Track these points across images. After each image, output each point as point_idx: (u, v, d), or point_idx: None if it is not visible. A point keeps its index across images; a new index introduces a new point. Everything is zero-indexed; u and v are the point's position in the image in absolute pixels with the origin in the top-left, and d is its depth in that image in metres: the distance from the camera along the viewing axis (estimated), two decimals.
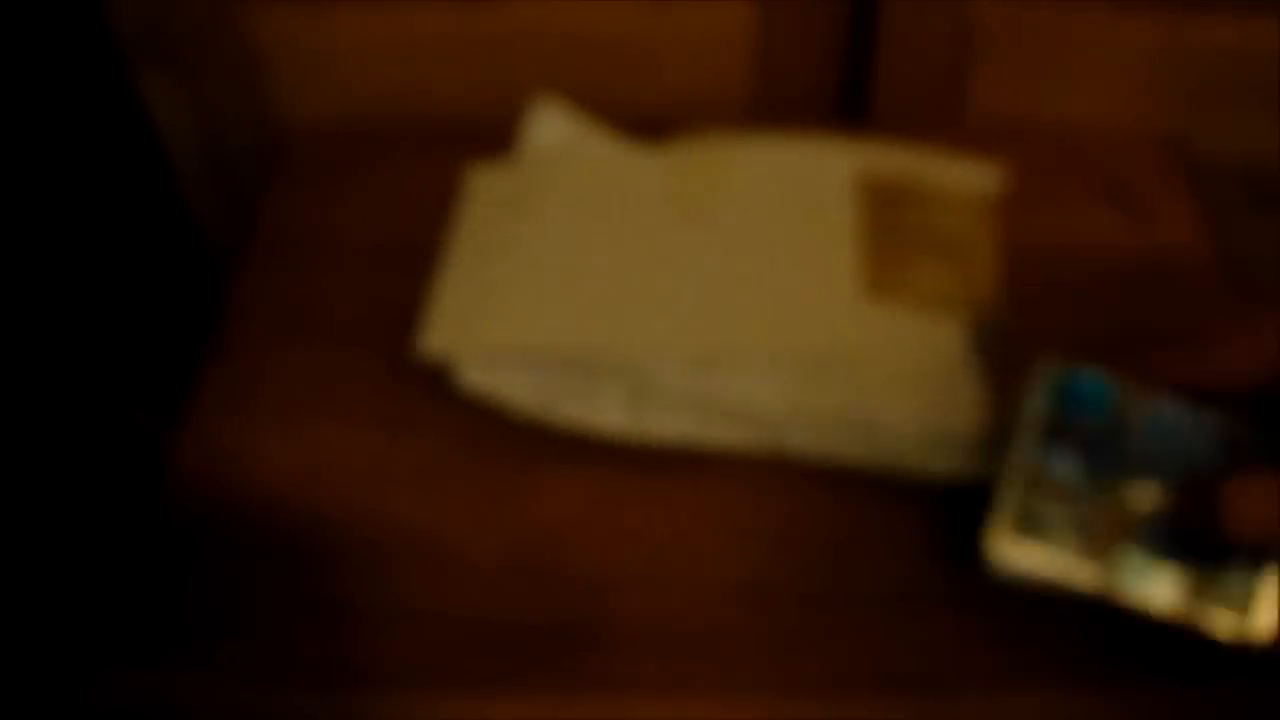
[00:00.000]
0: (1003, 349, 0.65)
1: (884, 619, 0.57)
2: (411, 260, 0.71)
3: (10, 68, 0.73)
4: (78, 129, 0.80)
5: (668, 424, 0.62)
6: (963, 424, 0.61)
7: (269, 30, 0.79)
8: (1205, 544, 0.53)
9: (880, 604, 0.57)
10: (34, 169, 0.75)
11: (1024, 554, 0.53)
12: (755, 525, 0.60)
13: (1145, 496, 0.54)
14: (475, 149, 0.76)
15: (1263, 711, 0.54)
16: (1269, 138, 0.79)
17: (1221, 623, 0.52)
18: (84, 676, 0.55)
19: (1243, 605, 0.52)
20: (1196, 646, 0.54)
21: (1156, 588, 0.53)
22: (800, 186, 0.72)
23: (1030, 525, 0.53)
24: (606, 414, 0.63)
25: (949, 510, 0.60)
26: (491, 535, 0.60)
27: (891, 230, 0.69)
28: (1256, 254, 0.82)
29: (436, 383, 0.65)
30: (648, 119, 0.78)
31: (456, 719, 0.55)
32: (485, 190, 0.74)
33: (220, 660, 0.56)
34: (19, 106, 0.74)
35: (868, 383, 0.63)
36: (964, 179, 0.73)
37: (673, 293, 0.67)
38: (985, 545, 0.54)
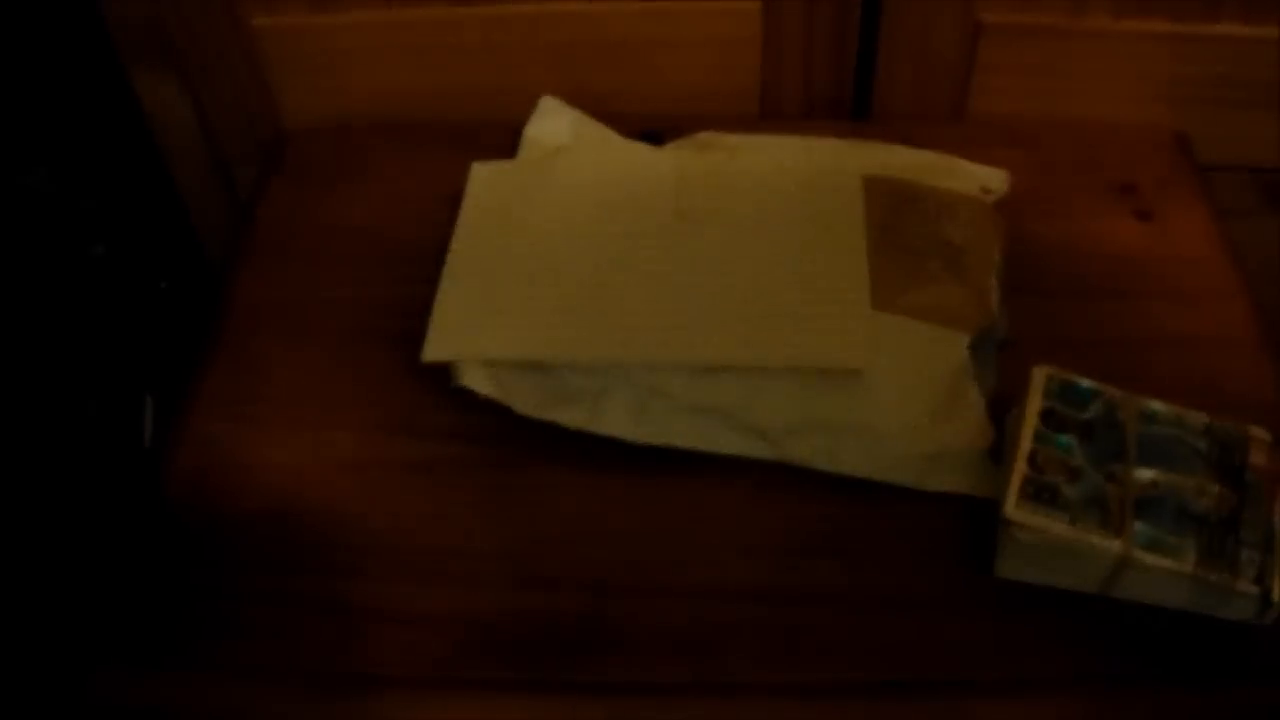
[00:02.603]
0: (1002, 356, 0.65)
1: (887, 622, 0.56)
2: (410, 260, 0.70)
3: (9, 67, 0.73)
4: (80, 130, 0.79)
5: (671, 431, 0.62)
6: (963, 443, 0.61)
7: (268, 30, 0.79)
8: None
9: (883, 607, 0.57)
10: (35, 168, 0.75)
11: (1038, 521, 0.55)
12: (758, 527, 0.60)
13: (1147, 477, 0.56)
14: (475, 150, 0.76)
15: (1263, 712, 0.54)
16: (1276, 137, 0.79)
17: (1235, 597, 0.53)
18: (84, 677, 0.55)
19: (1254, 576, 0.53)
20: (1201, 645, 0.55)
21: (1169, 561, 0.54)
22: (808, 192, 0.72)
23: (1042, 497, 0.55)
24: (610, 419, 0.62)
25: (953, 514, 0.60)
26: (493, 536, 0.60)
27: (898, 238, 0.69)
28: (1265, 252, 0.82)
29: (437, 383, 0.64)
30: (653, 120, 0.78)
31: (456, 719, 0.55)
32: (489, 191, 0.74)
33: (220, 661, 0.56)
34: (21, 107, 0.74)
35: (872, 397, 0.62)
36: (969, 182, 0.73)
37: (677, 299, 0.66)
38: (1001, 521, 0.55)
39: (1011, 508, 0.55)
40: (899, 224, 0.70)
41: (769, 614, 0.57)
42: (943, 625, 0.56)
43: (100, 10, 0.77)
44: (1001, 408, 0.62)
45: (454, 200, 0.73)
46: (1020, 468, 0.56)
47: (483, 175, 0.75)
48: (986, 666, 0.55)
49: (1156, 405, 0.59)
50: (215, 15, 0.78)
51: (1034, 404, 0.59)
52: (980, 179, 0.73)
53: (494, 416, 0.63)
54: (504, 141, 0.77)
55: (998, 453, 0.60)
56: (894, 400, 0.62)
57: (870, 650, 0.55)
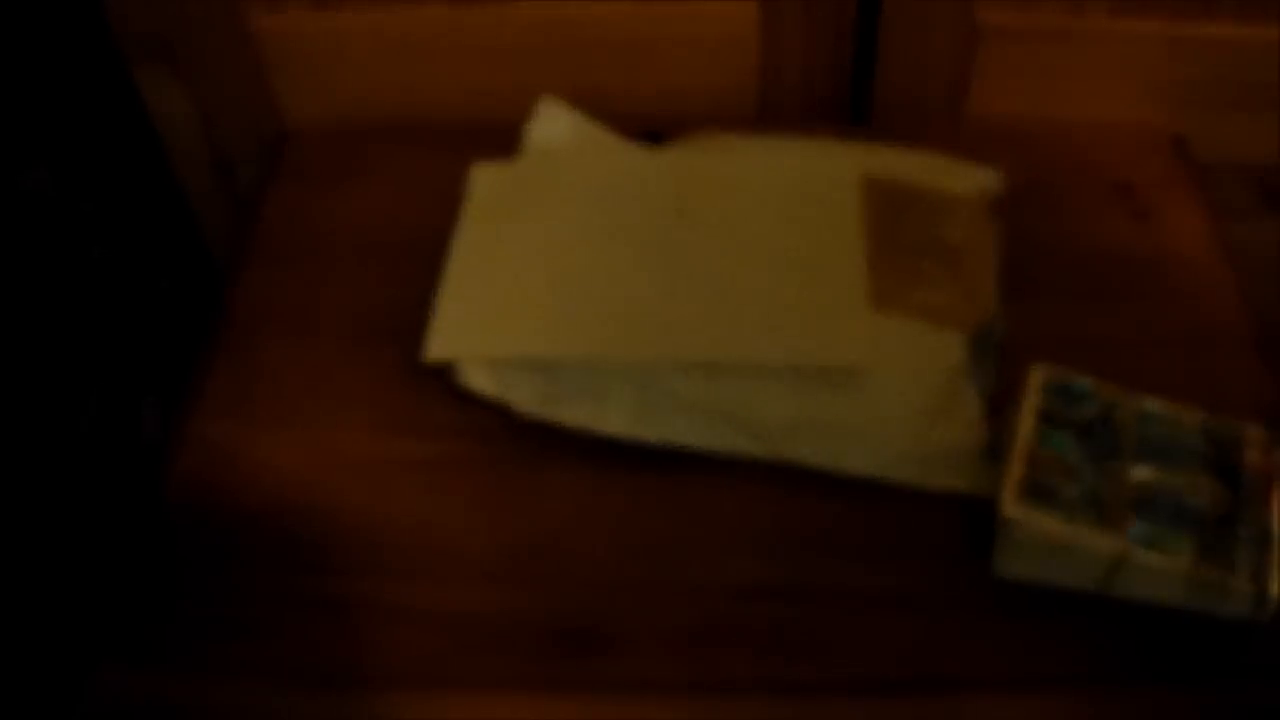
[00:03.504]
0: (1001, 357, 0.65)
1: (887, 621, 0.56)
2: (411, 260, 0.70)
3: (14, 70, 0.73)
4: (82, 130, 0.79)
5: (671, 430, 0.62)
6: (961, 442, 0.61)
7: (270, 30, 0.79)
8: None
9: (883, 606, 0.57)
10: (38, 170, 0.75)
11: (1036, 519, 0.55)
12: (758, 527, 0.60)
13: (1144, 475, 0.56)
14: (475, 150, 0.76)
15: (1263, 711, 0.54)
16: (1274, 137, 0.79)
17: (1232, 594, 0.53)
18: (85, 675, 0.55)
19: (1250, 573, 0.53)
20: (1200, 644, 0.55)
21: (1166, 558, 0.54)
22: (806, 192, 0.72)
23: (1040, 495, 0.55)
24: (611, 418, 0.62)
25: (952, 513, 0.60)
26: (492, 535, 0.60)
27: (896, 239, 0.69)
28: (1264, 253, 0.82)
29: (437, 383, 0.65)
30: (653, 120, 0.78)
31: (456, 719, 0.55)
32: (489, 192, 0.74)
33: (219, 660, 0.56)
34: (23, 107, 0.74)
35: (870, 396, 0.62)
36: (967, 183, 0.73)
37: (677, 298, 0.66)
38: (999, 521, 0.55)
39: (1009, 506, 0.55)
40: (897, 224, 0.70)
41: (769, 613, 0.57)
42: (942, 624, 0.56)
43: (102, 10, 0.77)
44: (999, 407, 0.62)
45: (455, 200, 0.73)
46: (1018, 466, 0.57)
47: (483, 176, 0.75)
48: (986, 666, 0.55)
49: (1153, 404, 0.59)
50: (217, 15, 0.78)
51: (1031, 403, 0.59)
52: (978, 179, 0.73)
53: (494, 416, 0.63)
54: (504, 141, 0.77)
55: (995, 452, 0.61)
56: (892, 400, 0.62)
57: (870, 649, 0.55)
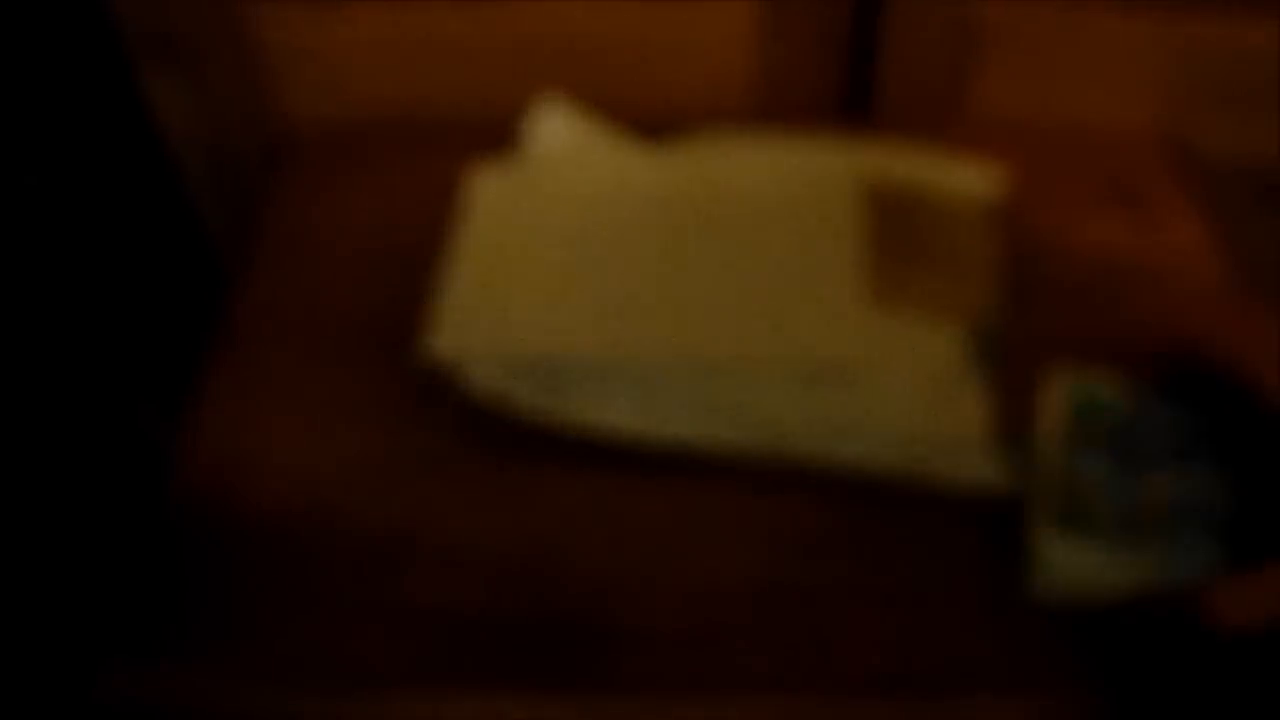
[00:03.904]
0: (1002, 356, 0.65)
1: (888, 620, 0.56)
2: (413, 260, 0.70)
3: (16, 68, 0.73)
4: (83, 129, 0.80)
5: (672, 428, 0.62)
6: (961, 442, 0.61)
7: (271, 31, 0.79)
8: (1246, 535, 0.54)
9: (884, 605, 0.57)
10: (39, 169, 0.75)
11: (1074, 553, 0.54)
12: (757, 526, 0.60)
13: (1173, 480, 0.56)
14: (476, 149, 0.76)
15: (1264, 711, 0.54)
16: (1274, 137, 0.79)
17: None
18: (86, 674, 0.55)
19: None
20: (1203, 644, 0.55)
21: (1201, 565, 0.53)
22: (805, 191, 0.72)
23: (1073, 525, 0.55)
24: (612, 418, 0.62)
25: (952, 512, 0.60)
26: (493, 535, 0.60)
27: (895, 237, 0.69)
28: (1262, 253, 0.82)
29: (437, 383, 0.65)
30: (651, 119, 0.78)
31: (456, 719, 0.55)
32: (489, 191, 0.74)
33: (221, 659, 0.56)
34: (25, 106, 0.74)
35: (870, 391, 0.63)
36: (966, 182, 0.73)
37: (678, 297, 0.67)
38: (1034, 551, 0.55)
39: (1040, 529, 0.55)
40: (896, 223, 0.70)
41: (769, 613, 0.57)
42: (944, 623, 0.56)
43: (104, 9, 0.77)
44: (999, 407, 0.62)
45: (455, 200, 0.73)
46: (1047, 492, 0.56)
47: (483, 175, 0.75)
48: (986, 666, 0.55)
49: (1174, 410, 0.58)
50: (217, 15, 0.78)
51: (1054, 417, 0.58)
52: (977, 178, 0.73)
53: (494, 416, 0.63)
54: (504, 141, 0.77)
55: (998, 451, 0.60)
56: (892, 396, 0.63)
57: (870, 649, 0.55)
